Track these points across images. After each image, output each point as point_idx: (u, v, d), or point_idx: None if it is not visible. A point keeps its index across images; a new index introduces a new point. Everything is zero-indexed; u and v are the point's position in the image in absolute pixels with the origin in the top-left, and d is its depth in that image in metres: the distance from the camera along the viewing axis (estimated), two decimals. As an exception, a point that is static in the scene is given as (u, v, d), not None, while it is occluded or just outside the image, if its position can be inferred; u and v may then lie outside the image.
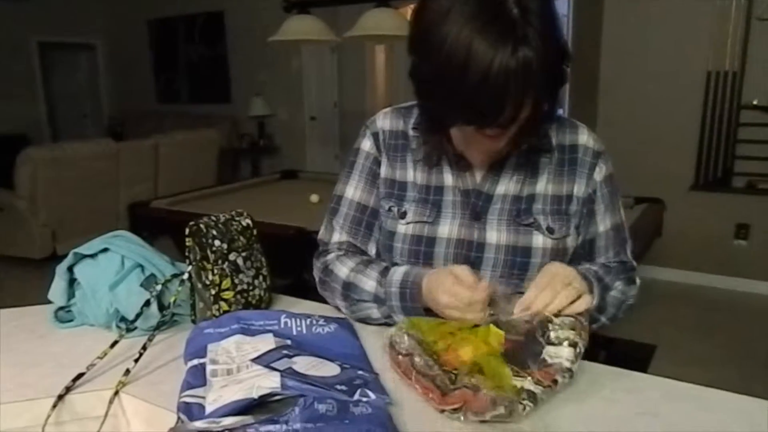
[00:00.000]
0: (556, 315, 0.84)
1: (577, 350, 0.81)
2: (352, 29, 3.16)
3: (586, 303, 0.86)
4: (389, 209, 1.09)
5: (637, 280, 1.10)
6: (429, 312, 0.96)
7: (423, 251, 1.05)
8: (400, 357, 0.83)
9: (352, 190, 1.13)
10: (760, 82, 3.67)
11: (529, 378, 0.76)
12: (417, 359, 0.80)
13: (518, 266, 1.01)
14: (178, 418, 0.71)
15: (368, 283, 1.04)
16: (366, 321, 1.07)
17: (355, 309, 1.06)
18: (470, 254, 1.03)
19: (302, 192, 3.38)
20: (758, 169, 3.78)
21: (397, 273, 1.01)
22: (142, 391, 0.83)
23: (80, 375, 0.86)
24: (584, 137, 1.06)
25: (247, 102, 6.42)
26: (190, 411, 0.71)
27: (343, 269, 1.08)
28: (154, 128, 6.37)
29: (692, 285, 4.08)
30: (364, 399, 0.71)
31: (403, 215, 1.07)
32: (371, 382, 0.75)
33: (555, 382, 0.77)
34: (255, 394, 0.69)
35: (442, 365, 0.80)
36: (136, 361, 0.88)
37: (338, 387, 0.72)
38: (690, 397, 0.82)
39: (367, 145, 1.13)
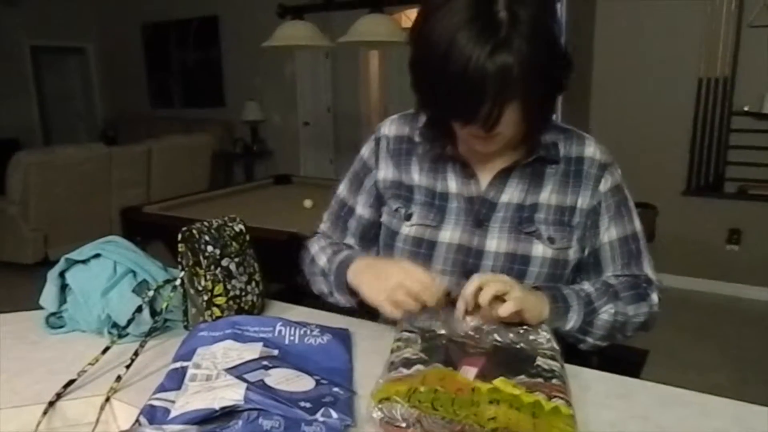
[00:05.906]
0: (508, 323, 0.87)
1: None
2: (346, 35, 3.17)
3: (507, 309, 0.86)
4: (396, 210, 1.11)
5: (654, 296, 1.06)
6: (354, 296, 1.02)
7: (422, 253, 1.05)
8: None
9: (341, 188, 1.22)
10: (751, 89, 3.70)
11: (543, 394, 0.72)
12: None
13: (516, 274, 0.99)
14: (137, 420, 0.70)
15: (322, 259, 1.14)
16: (322, 295, 1.16)
17: (313, 281, 1.17)
18: (468, 260, 1.03)
19: (295, 197, 3.37)
20: (750, 174, 3.80)
21: (343, 253, 1.10)
22: (134, 397, 0.83)
23: (71, 381, 0.86)
24: (591, 149, 1.05)
25: (241, 107, 6.41)
26: (154, 414, 0.71)
27: (314, 247, 1.19)
28: (148, 132, 6.34)
29: (685, 290, 4.09)
30: (321, 419, 0.69)
31: (408, 217, 1.09)
32: (340, 402, 0.73)
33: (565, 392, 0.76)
34: (217, 405, 0.68)
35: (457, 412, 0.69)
36: (128, 367, 0.88)
37: (302, 404, 0.70)
38: (683, 402, 0.82)
39: (365, 151, 1.18)
